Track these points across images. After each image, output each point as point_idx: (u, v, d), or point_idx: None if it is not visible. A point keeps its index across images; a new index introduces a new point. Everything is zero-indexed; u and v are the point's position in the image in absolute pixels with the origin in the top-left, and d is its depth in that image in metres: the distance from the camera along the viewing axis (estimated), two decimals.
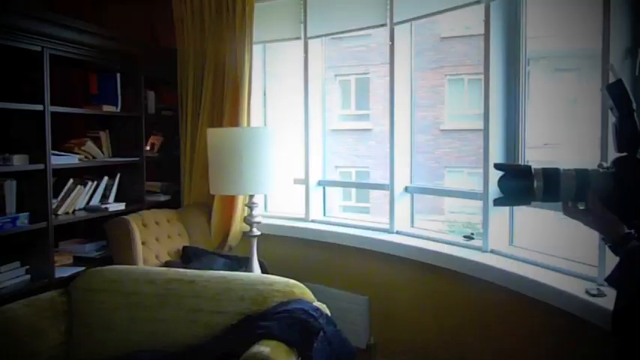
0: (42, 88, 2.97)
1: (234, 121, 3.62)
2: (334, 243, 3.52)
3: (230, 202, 3.67)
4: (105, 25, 3.46)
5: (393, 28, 3.31)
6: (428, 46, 8.89)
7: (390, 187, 3.39)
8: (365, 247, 3.35)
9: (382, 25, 3.37)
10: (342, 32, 3.73)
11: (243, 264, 3.36)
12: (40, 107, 2.96)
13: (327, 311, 2.54)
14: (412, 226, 3.46)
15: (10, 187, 2.94)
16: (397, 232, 3.37)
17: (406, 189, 3.42)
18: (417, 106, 3.48)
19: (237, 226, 3.69)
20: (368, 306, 3.36)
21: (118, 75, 3.65)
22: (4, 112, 2.92)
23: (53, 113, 3.03)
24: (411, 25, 3.34)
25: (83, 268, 3.19)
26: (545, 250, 2.69)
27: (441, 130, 9.16)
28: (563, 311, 2.21)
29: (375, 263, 3.33)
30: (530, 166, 1.55)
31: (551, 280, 2.36)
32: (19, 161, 2.89)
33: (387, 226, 3.43)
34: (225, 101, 3.69)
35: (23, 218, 2.90)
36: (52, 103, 3.02)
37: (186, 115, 3.86)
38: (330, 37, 3.84)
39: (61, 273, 3.13)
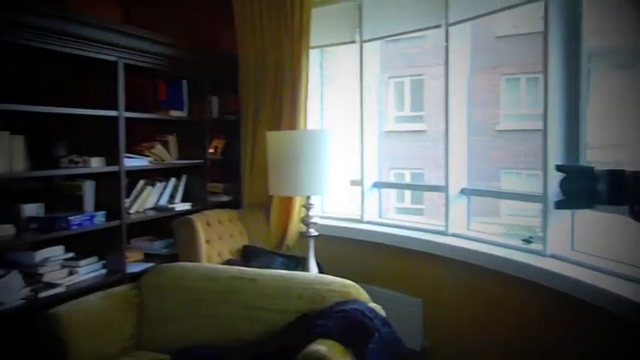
0: (116, 96, 3.16)
1: (292, 124, 3.71)
2: (389, 244, 3.54)
3: (288, 203, 3.77)
4: (172, 34, 3.62)
5: (448, 29, 3.29)
6: (483, 46, 8.74)
7: (445, 189, 3.39)
8: (419, 249, 3.35)
9: (437, 27, 3.35)
10: (397, 35, 3.72)
11: (300, 264, 3.43)
12: (115, 113, 3.16)
13: (383, 312, 2.56)
14: (469, 229, 3.43)
15: (89, 187, 3.14)
16: (452, 235, 3.36)
17: (462, 191, 3.41)
18: (472, 106, 3.44)
19: (295, 226, 3.78)
20: (422, 308, 3.35)
21: (185, 82, 3.82)
22: (84, 118, 3.13)
23: (126, 118, 3.22)
24: (467, 25, 3.30)
25: (152, 264, 3.34)
26: (609, 255, 2.57)
27: (497, 131, 8.99)
28: (627, 320, 2.11)
29: (429, 266, 3.33)
30: (592, 168, 1.48)
31: (614, 287, 2.25)
32: (96, 163, 3.09)
33: (442, 229, 3.43)
34: (284, 105, 3.79)
35: (100, 216, 3.09)
36: (125, 109, 3.21)
37: (247, 118, 3.99)
38: (385, 39, 3.85)
39: (133, 268, 3.29)
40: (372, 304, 2.58)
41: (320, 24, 3.80)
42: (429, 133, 9.26)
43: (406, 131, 9.32)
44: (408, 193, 8.68)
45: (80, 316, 2.57)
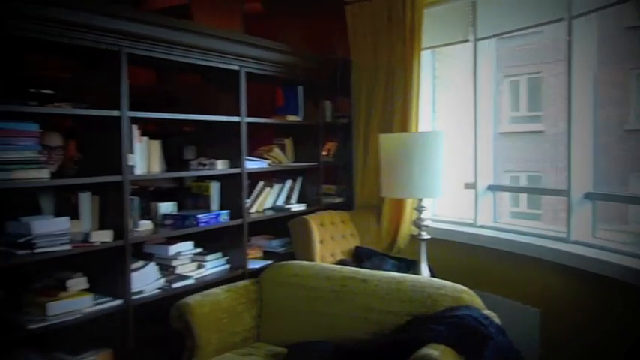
0: (239, 102, 3.38)
1: (404, 127, 3.75)
2: (504, 250, 3.45)
3: (399, 205, 3.80)
4: (288, 42, 3.79)
5: (572, 22, 3.11)
6: (609, 38, 8.14)
7: (567, 193, 3.23)
8: (538, 255, 3.23)
9: (559, 20, 3.17)
10: (514, 31, 3.61)
11: (412, 266, 3.45)
12: (237, 119, 3.38)
13: (498, 320, 2.48)
14: (594, 236, 3.23)
15: (215, 188, 3.38)
16: (575, 242, 3.20)
17: (586, 195, 3.22)
18: (597, 104, 3.23)
19: (406, 228, 3.80)
20: (539, 319, 3.22)
21: (300, 87, 3.99)
22: (211, 124, 3.38)
23: (247, 124, 3.43)
24: (592, 16, 3.11)
25: (270, 261, 3.51)
26: None
27: (626, 131, 8.37)
28: None
29: (548, 274, 3.19)
30: None
31: None
32: (221, 166, 3.32)
33: (563, 235, 3.27)
34: (396, 107, 3.83)
35: (224, 215, 3.32)
36: (246, 115, 3.42)
37: (359, 122, 4.09)
38: (500, 37, 3.77)
39: (253, 264, 3.48)
40: (487, 311, 2.52)
41: (431, 25, 3.80)
42: (547, 134, 8.83)
43: (522, 132, 8.96)
44: (523, 197, 8.35)
45: (207, 306, 2.77)
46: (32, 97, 2.47)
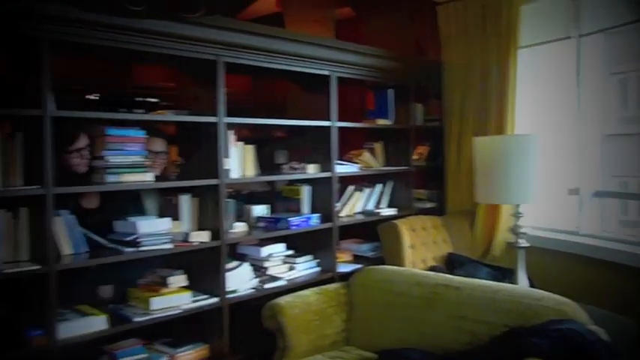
0: (328, 107, 3.44)
1: (500, 129, 3.66)
2: (612, 261, 3.27)
3: (494, 210, 3.72)
4: (378, 46, 3.81)
5: None
6: None
7: None
8: None
9: None
10: (622, 25, 3.42)
11: (508, 275, 3.34)
12: (328, 123, 3.44)
13: (605, 336, 2.33)
14: None
15: (306, 191, 3.47)
16: None
17: None
18: None
19: (501, 235, 3.70)
20: None
21: (391, 90, 4.00)
22: (302, 129, 3.47)
23: (338, 128, 3.48)
24: None
25: (360, 265, 3.53)
26: None
27: None
28: None
29: None
30: None
31: None
32: (312, 170, 3.40)
33: None
34: (490, 109, 3.75)
35: (315, 218, 3.39)
36: (337, 119, 3.48)
37: (451, 124, 4.05)
38: (606, 32, 3.57)
39: (343, 268, 3.52)
40: (593, 327, 2.38)
41: (528, 21, 3.68)
42: None
43: (632, 134, 8.37)
44: (633, 204, 7.80)
45: (298, 307, 2.83)
46: (139, 106, 2.68)
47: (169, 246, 2.67)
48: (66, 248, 2.46)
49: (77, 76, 4.31)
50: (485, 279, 3.09)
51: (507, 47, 3.64)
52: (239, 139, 3.10)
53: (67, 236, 2.46)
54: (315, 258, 3.46)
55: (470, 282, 2.82)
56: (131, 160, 2.60)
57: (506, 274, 3.40)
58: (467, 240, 3.86)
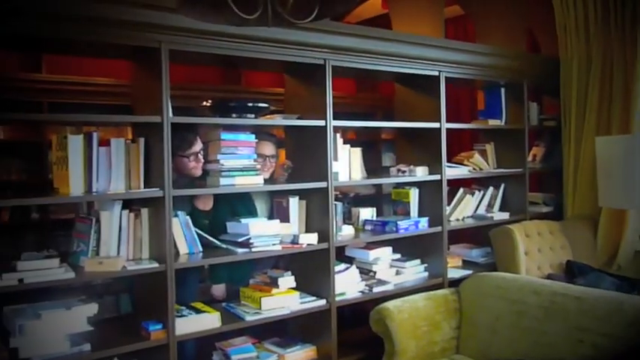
0: (438, 108, 3.34)
1: (625, 128, 3.42)
2: None
3: (620, 215, 3.46)
4: (487, 42, 3.71)
5: None
6: None
7: None
8: None
9: None
10: None
11: (637, 287, 3.09)
12: (437, 125, 3.35)
13: None
14: None
15: (415, 194, 3.40)
16: None
17: None
18: None
19: (629, 243, 3.45)
20: None
21: (502, 89, 3.83)
22: (409, 131, 3.42)
23: (447, 129, 3.37)
24: None
25: (470, 271, 3.46)
26: None
27: None
28: None
29: None
30: None
31: None
32: (421, 172, 3.33)
33: None
34: (614, 107, 3.50)
35: (423, 222, 3.32)
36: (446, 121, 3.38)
37: (570, 124, 3.81)
38: None
39: (452, 274, 3.44)
40: None
41: None
42: None
43: None
44: None
45: (406, 312, 2.79)
46: (249, 111, 2.71)
47: (279, 247, 2.70)
48: (182, 248, 2.54)
49: (192, 83, 4.58)
50: (610, 290, 2.89)
51: (633, 40, 3.34)
52: (345, 142, 3.10)
53: (182, 236, 2.54)
54: (423, 263, 3.39)
55: (592, 292, 2.64)
56: (243, 163, 2.66)
57: (634, 286, 3.13)
58: (588, 247, 3.61)
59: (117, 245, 2.38)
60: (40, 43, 2.37)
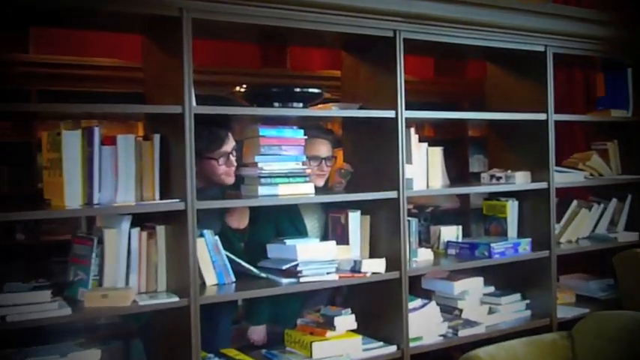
0: (545, 95, 3.14)
1: None
2: None
3: None
4: (607, 9, 3.42)
5: None
6: None
7: None
8: None
9: None
10: None
11: None
12: (542, 116, 3.14)
13: None
14: None
15: (513, 208, 3.19)
16: None
17: None
18: None
19: None
20: None
21: (629, 70, 3.59)
22: (505, 125, 3.25)
23: (555, 122, 3.19)
24: None
25: (588, 309, 3.29)
26: None
27: None
28: None
29: None
30: None
31: None
32: (521, 179, 3.12)
33: None
34: None
35: (525, 244, 3.11)
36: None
37: None
38: None
39: (563, 313, 3.26)
40: None
41: None
42: None
43: None
44: None
45: None
46: (296, 98, 2.57)
47: (335, 277, 2.56)
48: (209, 277, 2.43)
49: (222, 65, 4.47)
50: None
51: None
52: (421, 140, 2.93)
53: (210, 262, 2.42)
54: (524, 298, 3.23)
55: None
56: (288, 167, 2.54)
57: None
58: None
59: (125, 273, 2.28)
60: (27, 13, 2.26)
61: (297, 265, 2.47)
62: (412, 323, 2.74)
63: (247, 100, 2.61)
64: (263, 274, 2.52)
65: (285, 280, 2.46)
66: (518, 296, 3.20)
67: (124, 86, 3.93)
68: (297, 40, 3.42)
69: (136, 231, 2.28)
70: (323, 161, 2.83)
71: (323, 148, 2.85)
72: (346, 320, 2.59)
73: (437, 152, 2.97)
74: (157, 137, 2.28)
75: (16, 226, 4.24)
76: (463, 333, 2.88)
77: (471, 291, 3.06)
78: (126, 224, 2.26)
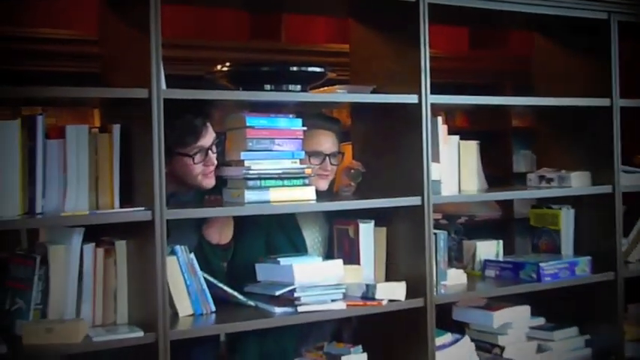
0: (608, 74, 3.20)
1: None
2: None
3: None
4: None
5: None
6: None
7: None
8: None
9: None
10: None
11: None
12: (605, 102, 3.17)
13: None
14: None
15: (567, 218, 3.22)
16: None
17: None
18: None
19: None
20: None
21: None
22: (556, 113, 3.30)
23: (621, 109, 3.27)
24: None
25: None
26: None
27: None
28: None
29: None
30: None
31: None
32: (578, 181, 3.15)
33: None
34: None
35: (584, 264, 3.14)
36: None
37: None
38: None
39: (632, 350, 3.30)
40: None
41: None
42: None
43: None
44: None
45: None
46: (293, 79, 2.57)
47: (342, 305, 2.57)
48: (182, 305, 2.43)
49: (199, 37, 4.45)
50: None
51: None
52: (451, 132, 2.97)
53: (183, 286, 2.43)
54: (582, 332, 3.26)
55: None
56: (283, 165, 2.56)
57: None
58: None
59: (76, 302, 2.28)
60: None
61: (293, 290, 2.48)
62: None
63: (231, 81, 2.62)
64: (251, 302, 2.52)
65: (278, 310, 2.47)
66: (575, 330, 3.22)
67: (76, 64, 3.97)
68: (294, 5, 3.43)
69: (89, 247, 2.27)
70: (327, 158, 2.83)
71: (326, 142, 2.85)
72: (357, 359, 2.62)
73: (471, 148, 3.00)
74: (116, 128, 2.29)
75: None
76: None
77: (514, 323, 3.07)
78: (77, 239, 2.26)
